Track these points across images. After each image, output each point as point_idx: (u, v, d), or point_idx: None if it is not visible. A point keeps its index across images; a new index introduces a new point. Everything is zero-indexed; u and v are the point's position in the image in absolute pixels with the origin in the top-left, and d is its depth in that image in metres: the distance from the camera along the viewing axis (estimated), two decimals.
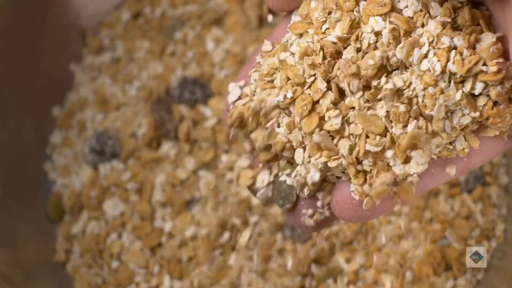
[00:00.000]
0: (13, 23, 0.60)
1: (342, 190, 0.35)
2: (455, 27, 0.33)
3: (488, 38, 0.32)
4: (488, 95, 0.32)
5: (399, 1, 0.34)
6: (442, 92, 0.32)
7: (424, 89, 0.32)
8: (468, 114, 0.33)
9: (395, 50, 0.33)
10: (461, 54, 0.32)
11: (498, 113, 0.32)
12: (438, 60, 0.32)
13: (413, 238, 0.55)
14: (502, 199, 0.57)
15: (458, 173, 0.35)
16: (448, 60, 0.32)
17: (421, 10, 0.34)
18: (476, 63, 0.32)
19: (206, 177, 0.58)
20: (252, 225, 0.57)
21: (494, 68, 0.31)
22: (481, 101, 0.33)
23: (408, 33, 0.33)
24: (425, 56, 0.33)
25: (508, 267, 0.54)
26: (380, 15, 0.34)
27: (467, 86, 0.32)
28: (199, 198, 0.58)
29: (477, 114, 0.33)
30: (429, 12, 0.33)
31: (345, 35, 0.34)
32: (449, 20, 0.33)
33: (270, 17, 0.64)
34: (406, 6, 0.34)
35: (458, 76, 0.32)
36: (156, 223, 0.58)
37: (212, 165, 0.59)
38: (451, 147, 0.34)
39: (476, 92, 0.32)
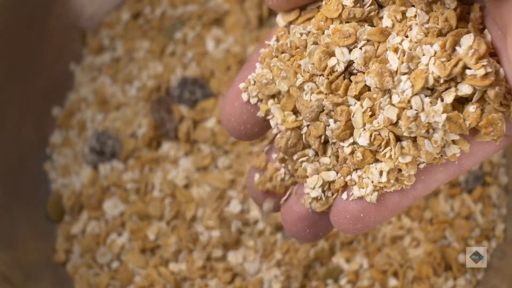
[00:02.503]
0: (13, 23, 0.60)
1: (339, 204, 0.36)
2: (443, 32, 0.33)
3: (468, 41, 0.32)
4: (475, 103, 0.32)
5: (376, 12, 0.34)
6: (423, 109, 0.32)
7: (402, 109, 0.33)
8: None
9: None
10: (440, 59, 0.32)
11: (489, 122, 0.32)
12: (412, 85, 0.32)
13: (413, 238, 0.55)
14: (502, 199, 0.57)
15: (451, 176, 0.35)
16: (426, 81, 0.32)
17: (399, 21, 0.34)
18: (456, 65, 0.31)
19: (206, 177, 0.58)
20: (252, 224, 0.57)
21: (482, 71, 0.31)
22: (469, 111, 0.32)
23: (382, 51, 0.33)
24: (399, 79, 0.33)
25: (508, 267, 0.54)
26: (346, 46, 0.34)
27: (451, 94, 0.32)
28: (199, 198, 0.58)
29: (458, 137, 0.33)
30: (416, 19, 0.33)
31: (318, 72, 0.35)
32: (436, 26, 0.33)
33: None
34: (387, 14, 0.34)
35: (442, 81, 0.32)
36: (156, 223, 0.58)
37: (211, 165, 0.59)
38: (439, 154, 0.34)
39: (463, 93, 0.32)
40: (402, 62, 0.32)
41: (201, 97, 0.61)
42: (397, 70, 0.33)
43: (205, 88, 0.61)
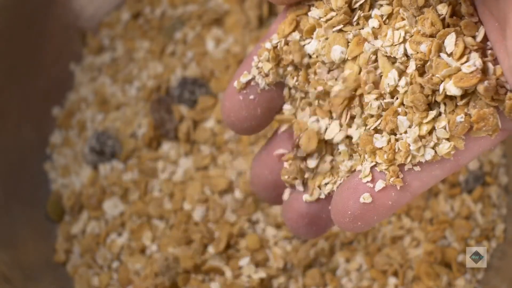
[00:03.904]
0: (13, 23, 0.60)
1: (340, 201, 0.36)
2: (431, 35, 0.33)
3: (451, 42, 0.32)
4: (462, 112, 0.33)
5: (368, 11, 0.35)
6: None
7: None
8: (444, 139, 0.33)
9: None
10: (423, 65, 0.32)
11: (480, 117, 0.32)
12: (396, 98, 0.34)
13: (413, 238, 0.55)
14: (502, 199, 0.57)
15: (448, 172, 0.35)
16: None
17: (385, 21, 0.34)
18: (437, 71, 0.32)
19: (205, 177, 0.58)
20: (253, 223, 0.57)
21: (469, 69, 0.31)
22: (457, 120, 0.33)
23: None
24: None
25: (508, 267, 0.54)
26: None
27: (425, 126, 0.33)
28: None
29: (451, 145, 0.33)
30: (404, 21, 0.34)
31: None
32: (423, 29, 0.33)
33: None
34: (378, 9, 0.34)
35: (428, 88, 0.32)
36: (155, 223, 0.58)
37: (211, 165, 0.59)
38: (433, 152, 0.34)
39: (452, 93, 0.32)
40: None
41: (201, 97, 0.61)
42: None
43: (205, 88, 0.61)
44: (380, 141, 0.35)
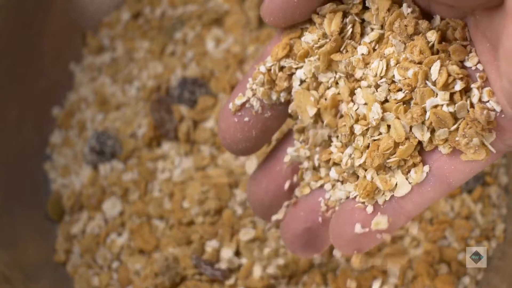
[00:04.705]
0: (13, 23, 0.60)
1: (337, 226, 0.37)
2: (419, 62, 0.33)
3: (435, 69, 0.32)
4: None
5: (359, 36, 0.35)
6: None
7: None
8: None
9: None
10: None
11: (469, 146, 0.32)
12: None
13: (413, 238, 0.55)
14: (502, 199, 0.57)
15: (441, 194, 0.35)
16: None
17: (373, 49, 0.34)
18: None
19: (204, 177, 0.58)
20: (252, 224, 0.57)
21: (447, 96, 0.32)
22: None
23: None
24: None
25: (508, 267, 0.54)
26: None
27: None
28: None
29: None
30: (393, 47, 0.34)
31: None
32: (411, 56, 0.33)
33: None
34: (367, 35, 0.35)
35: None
36: (155, 223, 0.58)
37: (211, 165, 0.59)
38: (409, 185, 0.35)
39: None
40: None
41: (201, 97, 0.61)
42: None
43: (205, 88, 0.61)
44: (340, 190, 0.37)
